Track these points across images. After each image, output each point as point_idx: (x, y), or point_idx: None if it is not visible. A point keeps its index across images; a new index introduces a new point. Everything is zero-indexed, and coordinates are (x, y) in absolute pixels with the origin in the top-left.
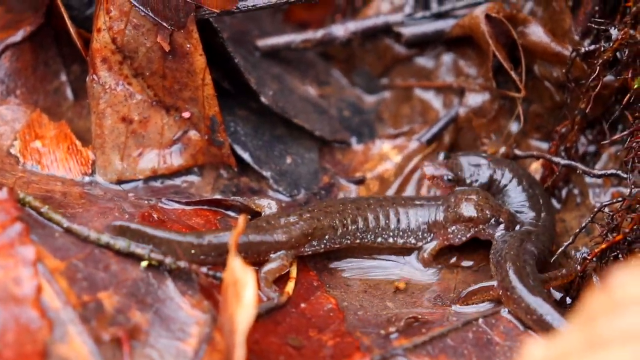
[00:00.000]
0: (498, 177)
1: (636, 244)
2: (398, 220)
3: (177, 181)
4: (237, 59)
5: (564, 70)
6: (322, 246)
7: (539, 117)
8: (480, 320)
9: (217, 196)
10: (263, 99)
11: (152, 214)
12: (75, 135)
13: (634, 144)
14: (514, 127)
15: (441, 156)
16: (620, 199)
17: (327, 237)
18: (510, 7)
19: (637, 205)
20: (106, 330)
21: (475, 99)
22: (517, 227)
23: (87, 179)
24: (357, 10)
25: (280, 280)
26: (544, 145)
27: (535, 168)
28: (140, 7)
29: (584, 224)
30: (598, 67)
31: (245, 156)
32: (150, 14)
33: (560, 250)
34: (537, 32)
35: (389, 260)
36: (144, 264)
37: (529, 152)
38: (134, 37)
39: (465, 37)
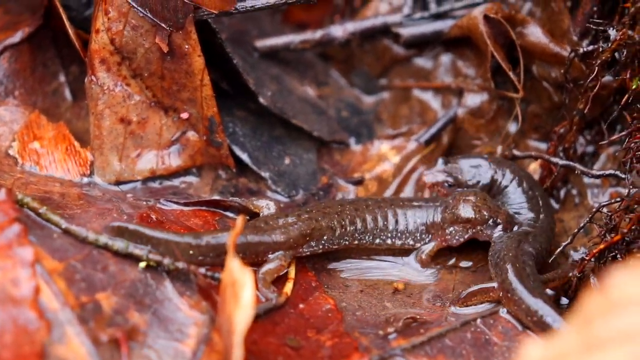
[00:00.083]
0: (499, 178)
1: (634, 245)
2: (396, 222)
3: (176, 182)
4: (236, 59)
5: (562, 71)
6: (321, 247)
7: (538, 118)
8: (479, 321)
9: (216, 197)
10: (262, 100)
11: (151, 214)
12: (73, 136)
13: (633, 144)
14: (512, 127)
15: (440, 162)
16: (618, 199)
17: (325, 237)
18: (508, 7)
19: (636, 206)
20: (104, 331)
21: (473, 100)
22: (515, 228)
23: (85, 179)
24: (355, 11)
25: (279, 280)
26: (543, 146)
27: (534, 168)
28: (139, 8)
29: (582, 225)
30: (596, 68)
31: (244, 157)
32: (149, 15)
33: (558, 250)
34: (535, 33)
35: (388, 261)
36: (142, 264)
37: (528, 153)
38: (132, 38)
39: (464, 37)
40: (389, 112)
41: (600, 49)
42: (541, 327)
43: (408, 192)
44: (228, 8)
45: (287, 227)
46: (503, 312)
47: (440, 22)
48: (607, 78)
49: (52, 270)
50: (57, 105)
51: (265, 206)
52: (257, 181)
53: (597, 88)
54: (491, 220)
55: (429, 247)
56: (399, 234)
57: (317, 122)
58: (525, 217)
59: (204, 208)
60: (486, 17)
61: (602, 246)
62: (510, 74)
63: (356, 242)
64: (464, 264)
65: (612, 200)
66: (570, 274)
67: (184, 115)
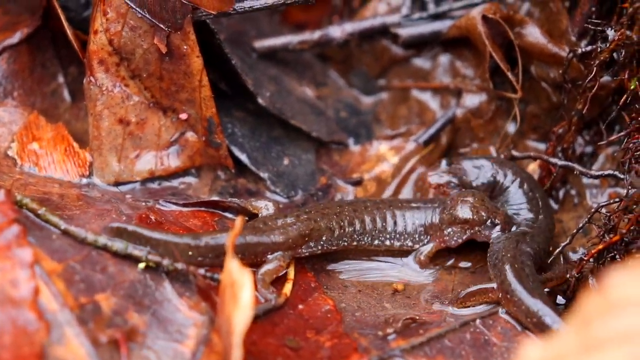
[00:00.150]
0: (501, 179)
1: (633, 245)
2: (395, 223)
3: (175, 183)
4: (234, 60)
5: (560, 71)
6: (319, 247)
7: (536, 118)
8: (478, 321)
9: (215, 198)
10: (260, 101)
11: (150, 215)
12: (72, 137)
13: (631, 144)
14: (511, 127)
15: (443, 163)
16: (617, 199)
17: (324, 238)
18: (507, 8)
19: (634, 206)
20: (103, 332)
21: (472, 100)
22: (514, 229)
23: (84, 180)
24: (354, 11)
25: (278, 281)
26: (541, 146)
27: (533, 169)
28: (137, 8)
29: (581, 225)
30: (595, 68)
31: (243, 157)
32: (147, 15)
33: (557, 251)
34: (533, 33)
35: (387, 261)
36: (142, 265)
37: (526, 153)
38: (130, 39)
39: (462, 38)
40: (387, 112)
41: (599, 49)
42: (540, 328)
43: (407, 192)
44: (226, 9)
45: (286, 227)
46: (502, 312)
47: (439, 23)
48: (606, 78)
49: (51, 271)
50: (56, 106)
51: (264, 207)
52: (256, 182)
53: (595, 88)
54: (489, 221)
55: (427, 248)
56: (398, 235)
57: (315, 123)
58: (524, 218)
59: (203, 209)
60: (484, 18)
61: (600, 247)
62: (509, 74)
63: (355, 243)
64: (463, 264)
65: (611, 201)
66: (569, 274)
67: (183, 116)
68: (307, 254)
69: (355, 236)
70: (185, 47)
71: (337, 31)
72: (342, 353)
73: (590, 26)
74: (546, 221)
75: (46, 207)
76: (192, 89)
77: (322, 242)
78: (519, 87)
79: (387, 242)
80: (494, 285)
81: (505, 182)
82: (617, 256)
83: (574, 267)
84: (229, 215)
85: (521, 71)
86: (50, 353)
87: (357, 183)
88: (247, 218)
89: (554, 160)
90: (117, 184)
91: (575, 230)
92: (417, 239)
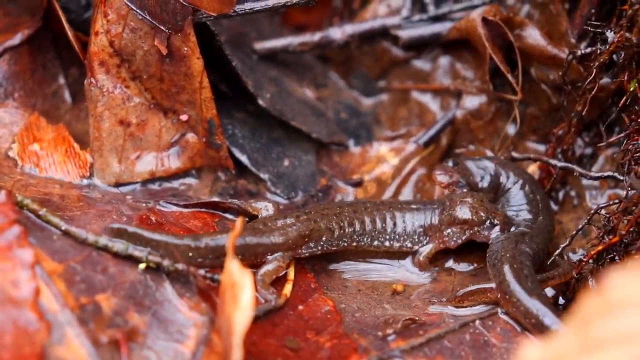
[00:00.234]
0: (503, 180)
1: (632, 246)
2: (394, 224)
3: (175, 184)
4: (235, 62)
5: (560, 73)
6: (319, 248)
7: (536, 120)
8: (477, 322)
9: (215, 199)
10: (260, 102)
11: (150, 216)
12: (73, 138)
13: (631, 146)
14: (511, 129)
15: (450, 163)
16: (616, 201)
17: (324, 239)
18: (506, 10)
19: (634, 208)
20: (104, 332)
21: (472, 102)
22: (513, 229)
23: (85, 181)
24: (354, 13)
25: (278, 282)
26: (541, 148)
27: (533, 170)
28: (138, 10)
29: (580, 226)
30: (594, 70)
31: (243, 159)
32: (148, 17)
33: (557, 252)
34: (533, 35)
35: (386, 262)
36: (142, 266)
37: (526, 155)
38: (131, 41)
39: (462, 40)
40: (387, 114)
41: (598, 51)
42: (539, 328)
43: (407, 193)
44: (227, 10)
45: (286, 228)
46: (501, 313)
47: (439, 25)
48: (605, 80)
49: (52, 271)
50: (57, 107)
51: (264, 208)
52: (256, 183)
53: (595, 90)
54: (488, 222)
55: (427, 249)
56: (397, 236)
57: (316, 124)
58: (523, 219)
59: (203, 210)
60: (484, 20)
61: (600, 248)
62: (509, 76)
63: (354, 243)
64: (463, 265)
65: (611, 202)
66: (568, 274)
67: (183, 117)
68: (307, 254)
69: (355, 237)
70: (185, 48)
71: (338, 33)
72: (342, 353)
73: (589, 28)
74: (545, 222)
75: (47, 208)
76: (192, 91)
77: (322, 243)
78: (519, 88)
79: (387, 243)
80: (493, 285)
81: (507, 184)
82: (617, 257)
83: (574, 267)
84: (230, 216)
85: (521, 73)
86: (51, 353)
87: (358, 184)
88: (247, 219)
89: (553, 161)
90: (117, 185)
91: (574, 232)
92: (416, 239)
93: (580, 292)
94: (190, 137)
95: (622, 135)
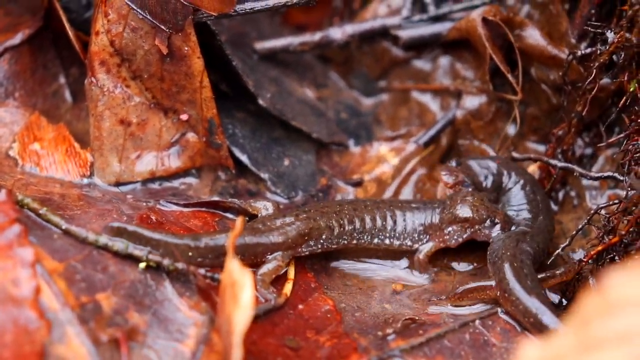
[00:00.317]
0: (505, 179)
1: (632, 246)
2: (394, 222)
3: (175, 183)
4: (235, 61)
5: (560, 73)
6: (319, 246)
7: (536, 120)
8: (477, 322)
9: (215, 198)
10: (261, 102)
11: (150, 215)
12: (73, 138)
13: (631, 146)
14: (511, 129)
15: (454, 163)
16: (616, 201)
17: (323, 237)
18: (507, 10)
19: (634, 208)
20: (104, 331)
21: (472, 102)
22: (513, 228)
23: (85, 181)
24: (354, 13)
25: (278, 281)
26: (541, 148)
27: (533, 170)
28: (139, 10)
29: (580, 226)
30: (594, 70)
31: (243, 158)
32: (148, 17)
33: (557, 252)
34: (533, 35)
35: (386, 262)
36: (142, 265)
37: (526, 155)
38: (132, 40)
39: (462, 40)
40: (387, 113)
41: (598, 51)
42: (538, 327)
43: (407, 193)
44: (227, 10)
45: (285, 227)
46: (502, 312)
47: (439, 25)
48: (605, 80)
49: (53, 270)
50: (57, 107)
51: (263, 207)
52: (256, 182)
53: (595, 90)
54: (489, 220)
55: (427, 247)
56: (397, 235)
57: (316, 124)
58: (524, 218)
59: (203, 209)
60: (484, 20)
61: (600, 248)
62: (509, 76)
63: (355, 241)
64: (463, 265)
65: (611, 202)
66: (569, 274)
67: (184, 117)
68: (307, 252)
69: (355, 234)
70: (186, 48)
71: (338, 33)
72: (342, 353)
73: (590, 28)
74: (545, 222)
75: (47, 207)
76: (193, 90)
77: (322, 241)
78: (519, 89)
79: (387, 241)
80: (493, 283)
81: (509, 184)
82: (617, 257)
83: (575, 268)
84: (230, 216)
85: (521, 73)
86: (51, 352)
87: (358, 184)
88: (247, 218)
89: (553, 161)
90: (118, 184)
91: (574, 232)
92: (416, 238)
93: (580, 292)
94: (191, 136)
95: (622, 135)
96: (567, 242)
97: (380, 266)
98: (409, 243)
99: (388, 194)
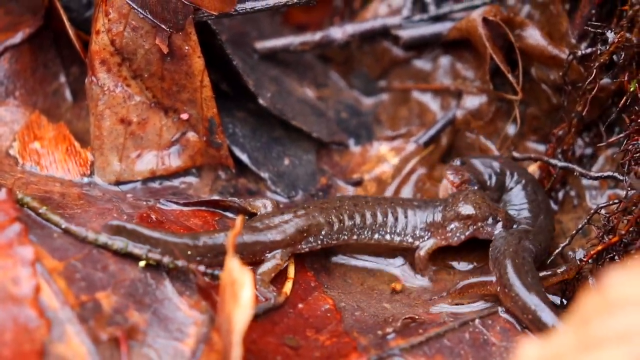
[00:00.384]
0: (507, 179)
1: (632, 246)
2: (396, 219)
3: (176, 182)
4: (236, 61)
5: (560, 73)
6: (319, 242)
7: (536, 120)
8: (477, 321)
9: (215, 197)
10: (261, 101)
11: (151, 214)
12: (74, 137)
13: (631, 146)
14: (511, 129)
15: (458, 162)
16: (616, 201)
17: (323, 232)
18: (507, 10)
19: (633, 207)
20: (104, 330)
21: (472, 102)
22: (515, 227)
23: (85, 180)
24: (355, 13)
25: (278, 280)
26: (541, 148)
27: (533, 170)
28: (139, 9)
29: (580, 226)
30: (595, 70)
31: (244, 158)
32: (149, 16)
33: (557, 251)
34: (534, 35)
35: (387, 261)
36: (142, 263)
37: (527, 155)
38: (132, 39)
39: (463, 40)
40: (388, 113)
41: (599, 51)
42: (536, 324)
43: (407, 193)
44: (228, 10)
45: (283, 225)
46: (502, 311)
47: (439, 25)
48: (605, 80)
49: (52, 269)
50: (58, 106)
51: (263, 205)
52: (256, 182)
53: (595, 90)
54: (491, 218)
55: (428, 244)
56: (398, 230)
57: (316, 124)
58: (524, 217)
59: (203, 208)
60: (485, 20)
61: (600, 247)
62: (509, 76)
63: (355, 237)
64: (462, 265)
65: (610, 202)
66: (570, 272)
67: (184, 116)
68: (307, 249)
69: (355, 230)
70: (186, 47)
71: (338, 32)
72: (342, 352)
73: (590, 28)
74: (546, 222)
75: (47, 205)
76: (193, 89)
77: (321, 237)
78: (519, 88)
79: (387, 237)
80: (493, 278)
81: (510, 183)
82: (616, 257)
83: (575, 266)
84: (230, 215)
85: (521, 73)
86: (51, 350)
87: (358, 183)
88: (247, 217)
89: (554, 161)
90: (118, 183)
91: (574, 231)
92: (417, 235)
93: (580, 292)
94: (191, 135)
95: (622, 135)
96: (567, 242)
97: (380, 265)
98: (410, 240)
99: (388, 193)
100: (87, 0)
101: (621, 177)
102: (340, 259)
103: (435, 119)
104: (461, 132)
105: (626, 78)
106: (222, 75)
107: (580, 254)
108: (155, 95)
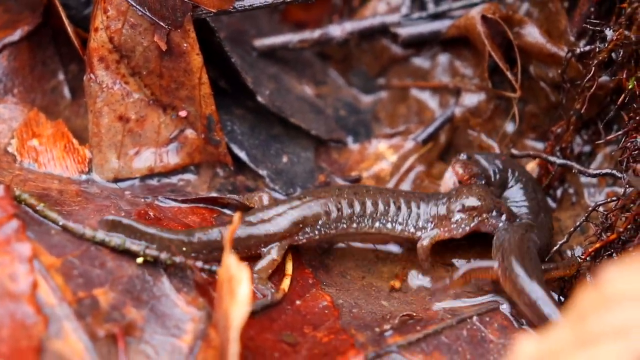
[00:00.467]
0: (509, 178)
1: (630, 243)
2: (398, 208)
3: (174, 179)
4: (234, 58)
5: (559, 71)
6: (316, 233)
7: (535, 117)
8: (475, 318)
9: (214, 194)
10: (260, 98)
11: (149, 211)
12: (72, 134)
13: (629, 143)
14: (509, 127)
15: (464, 156)
16: (614, 198)
17: (320, 222)
18: (506, 8)
19: (631, 205)
20: (101, 326)
21: (471, 99)
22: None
23: (83, 177)
24: (354, 10)
25: (276, 277)
26: (540, 145)
27: (531, 168)
28: (138, 6)
29: (578, 223)
30: (593, 68)
31: (242, 155)
32: (148, 13)
33: (555, 248)
34: (532, 33)
35: (386, 259)
36: (140, 260)
37: (525, 152)
38: (131, 37)
39: (462, 37)
40: (386, 111)
41: (597, 49)
42: (532, 310)
43: None
44: (226, 7)
45: (277, 218)
46: (502, 307)
47: (438, 22)
48: (604, 78)
49: (50, 265)
50: (56, 103)
51: (259, 199)
52: (254, 179)
53: (593, 88)
54: (495, 210)
55: (431, 234)
56: (400, 219)
57: (315, 121)
58: (524, 214)
59: (201, 205)
60: (484, 18)
61: (598, 245)
62: (508, 73)
63: (354, 225)
64: (461, 262)
65: (609, 200)
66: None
67: (182, 114)
68: (304, 240)
69: (355, 218)
70: (185, 45)
71: (337, 30)
72: (339, 349)
73: (588, 26)
74: (546, 220)
75: (45, 202)
76: (191, 87)
77: (318, 227)
78: (518, 86)
79: (389, 225)
80: (496, 264)
81: (511, 182)
82: (614, 254)
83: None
84: (228, 212)
85: (520, 71)
86: (49, 347)
87: (356, 181)
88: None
89: (552, 158)
90: (116, 180)
91: (572, 229)
92: (420, 225)
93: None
94: (189, 133)
95: (620, 132)
96: (565, 239)
97: (385, 263)
98: (412, 230)
99: None
100: None
101: (619, 175)
102: (338, 256)
103: (434, 117)
104: (460, 129)
105: (625, 75)
106: (220, 72)
107: (578, 251)
108: (154, 93)
